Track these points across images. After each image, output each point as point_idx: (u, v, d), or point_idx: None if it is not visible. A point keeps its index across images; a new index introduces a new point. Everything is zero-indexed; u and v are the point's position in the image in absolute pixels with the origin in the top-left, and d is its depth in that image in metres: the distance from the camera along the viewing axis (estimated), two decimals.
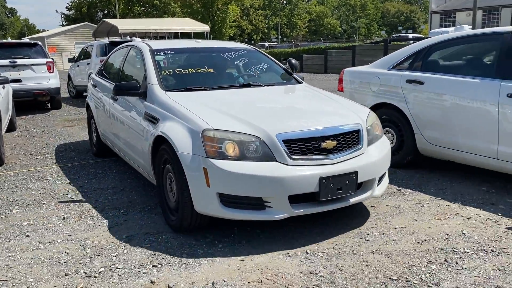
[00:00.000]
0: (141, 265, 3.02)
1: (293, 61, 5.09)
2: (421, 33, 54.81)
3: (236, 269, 2.96)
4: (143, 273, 2.92)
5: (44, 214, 3.99)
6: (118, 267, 3.00)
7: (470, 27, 21.54)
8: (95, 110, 5.69)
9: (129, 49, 5.03)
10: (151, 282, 2.80)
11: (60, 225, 3.75)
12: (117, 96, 4.62)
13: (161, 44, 4.82)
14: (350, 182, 3.29)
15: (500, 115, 4.05)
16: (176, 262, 3.04)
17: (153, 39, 32.64)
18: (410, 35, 35.77)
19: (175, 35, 37.54)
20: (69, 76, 14.36)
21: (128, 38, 13.68)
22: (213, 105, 3.62)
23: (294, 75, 4.91)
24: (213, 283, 2.78)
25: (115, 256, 3.16)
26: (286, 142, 3.20)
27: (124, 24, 28.22)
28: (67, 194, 4.52)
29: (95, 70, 6.28)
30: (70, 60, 14.45)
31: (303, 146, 3.24)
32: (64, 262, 3.09)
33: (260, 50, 5.25)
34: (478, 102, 4.21)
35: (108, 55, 5.97)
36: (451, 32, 10.56)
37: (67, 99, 13.57)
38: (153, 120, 3.74)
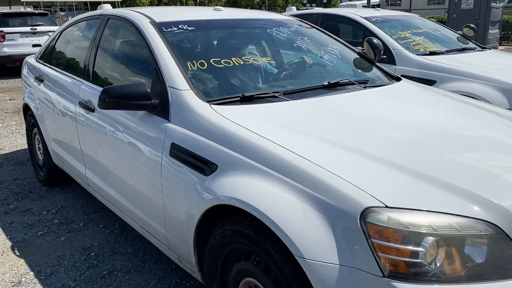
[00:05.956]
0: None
1: (375, 41, 3.16)
2: (335, 5, 55.34)
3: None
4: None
5: None
6: None
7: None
8: (42, 116, 3.65)
9: (105, 23, 3.08)
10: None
11: None
12: (93, 105, 2.76)
13: (166, 14, 2.86)
14: None
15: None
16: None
17: (59, 11, 31.24)
18: (315, 9, 36.19)
19: (85, 5, 36.34)
20: None
21: (24, 9, 13.66)
22: (329, 139, 1.82)
23: (379, 64, 3.09)
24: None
25: None
26: None
27: None
28: None
29: (36, 54, 4.20)
30: None
31: None
32: None
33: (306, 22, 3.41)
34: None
35: (56, 32, 3.93)
36: (359, 7, 11.27)
37: None
38: (197, 165, 1.95)
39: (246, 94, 2.23)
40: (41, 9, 22.27)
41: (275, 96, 2.27)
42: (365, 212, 1.43)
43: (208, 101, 2.14)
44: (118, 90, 2.17)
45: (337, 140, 1.81)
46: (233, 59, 2.54)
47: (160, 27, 2.63)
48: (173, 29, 2.65)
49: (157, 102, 2.22)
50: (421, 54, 4.46)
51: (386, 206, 1.43)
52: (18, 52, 11.45)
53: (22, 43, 11.57)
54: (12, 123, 6.40)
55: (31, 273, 2.65)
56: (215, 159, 1.88)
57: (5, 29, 11.27)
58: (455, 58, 4.43)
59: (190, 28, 2.71)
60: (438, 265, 1.39)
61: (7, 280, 2.58)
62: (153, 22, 2.67)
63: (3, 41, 11.23)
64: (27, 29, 11.42)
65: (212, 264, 1.96)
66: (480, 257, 1.41)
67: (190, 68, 2.36)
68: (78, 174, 3.23)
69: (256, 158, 1.75)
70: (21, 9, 14.46)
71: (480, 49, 5.09)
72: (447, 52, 4.67)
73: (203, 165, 1.92)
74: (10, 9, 24.89)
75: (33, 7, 22.97)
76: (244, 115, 2.04)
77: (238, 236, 1.77)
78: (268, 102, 2.21)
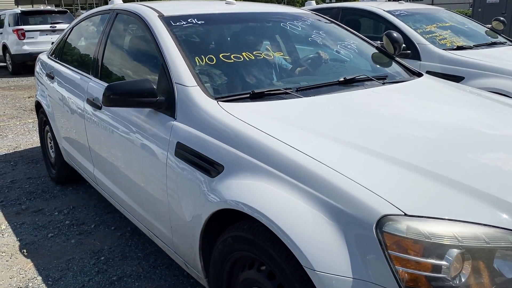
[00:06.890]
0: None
1: (395, 34, 3.02)
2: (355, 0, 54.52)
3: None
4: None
5: None
6: None
7: None
8: (53, 114, 3.61)
9: (114, 17, 2.99)
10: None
11: None
12: (101, 102, 2.67)
13: (175, 8, 2.73)
14: None
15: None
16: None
17: (80, 9, 31.46)
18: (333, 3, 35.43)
19: (105, 3, 36.54)
20: None
21: (44, 7, 13.77)
22: (344, 139, 1.68)
23: (399, 60, 2.90)
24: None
25: None
26: None
27: None
28: None
29: (48, 50, 4.17)
30: None
31: None
32: None
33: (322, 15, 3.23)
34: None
35: (68, 28, 3.87)
36: (380, 0, 10.62)
37: None
38: (203, 166, 1.84)
39: (256, 91, 2.10)
40: (62, 7, 22.51)
41: (287, 93, 2.12)
42: (382, 221, 1.29)
43: (216, 98, 2.03)
44: (122, 86, 2.07)
45: (353, 141, 1.67)
46: (243, 54, 2.39)
47: (169, 21, 2.51)
48: (182, 23, 2.53)
49: (163, 99, 2.12)
50: (448, 49, 4.26)
51: (405, 214, 1.29)
52: (37, 50, 11.55)
53: (42, 41, 11.66)
54: (29, 120, 6.42)
55: (39, 277, 2.58)
56: (221, 160, 1.76)
57: (25, 27, 11.38)
58: (484, 53, 4.21)
59: (199, 22, 2.58)
60: (463, 280, 1.25)
61: (14, 285, 2.51)
62: (161, 16, 2.55)
63: (23, 39, 11.35)
64: (47, 27, 11.54)
65: (217, 277, 1.85)
66: (511, 271, 1.27)
67: (198, 64, 2.24)
68: (87, 173, 3.16)
69: (264, 159, 1.63)
70: (41, 7, 14.53)
71: (510, 43, 4.85)
72: (476, 46, 4.45)
73: (209, 166, 1.81)
74: (33, 7, 25.24)
75: (54, 5, 23.22)
76: (253, 112, 1.91)
77: (239, 242, 1.67)
78: (280, 99, 2.06)
